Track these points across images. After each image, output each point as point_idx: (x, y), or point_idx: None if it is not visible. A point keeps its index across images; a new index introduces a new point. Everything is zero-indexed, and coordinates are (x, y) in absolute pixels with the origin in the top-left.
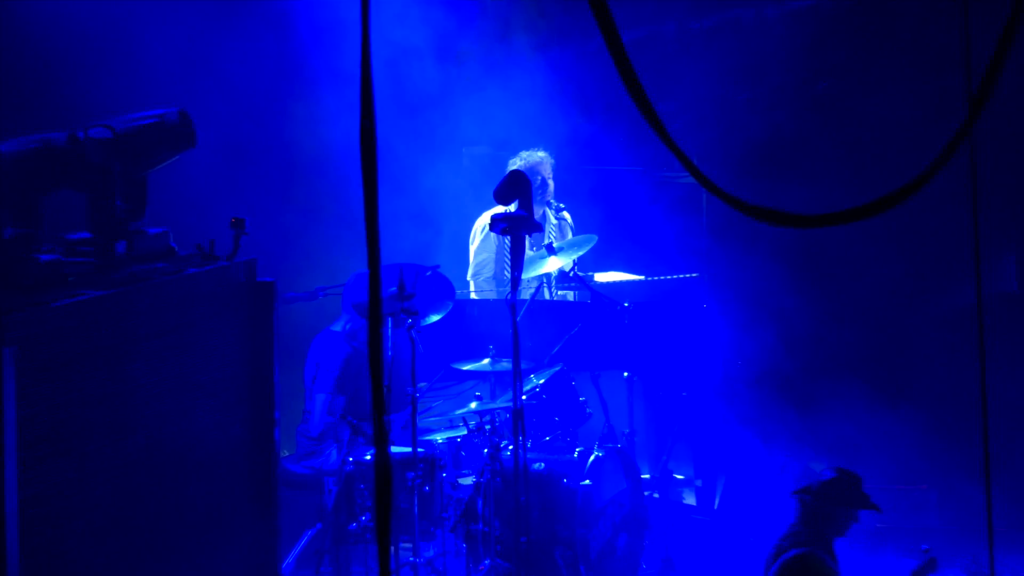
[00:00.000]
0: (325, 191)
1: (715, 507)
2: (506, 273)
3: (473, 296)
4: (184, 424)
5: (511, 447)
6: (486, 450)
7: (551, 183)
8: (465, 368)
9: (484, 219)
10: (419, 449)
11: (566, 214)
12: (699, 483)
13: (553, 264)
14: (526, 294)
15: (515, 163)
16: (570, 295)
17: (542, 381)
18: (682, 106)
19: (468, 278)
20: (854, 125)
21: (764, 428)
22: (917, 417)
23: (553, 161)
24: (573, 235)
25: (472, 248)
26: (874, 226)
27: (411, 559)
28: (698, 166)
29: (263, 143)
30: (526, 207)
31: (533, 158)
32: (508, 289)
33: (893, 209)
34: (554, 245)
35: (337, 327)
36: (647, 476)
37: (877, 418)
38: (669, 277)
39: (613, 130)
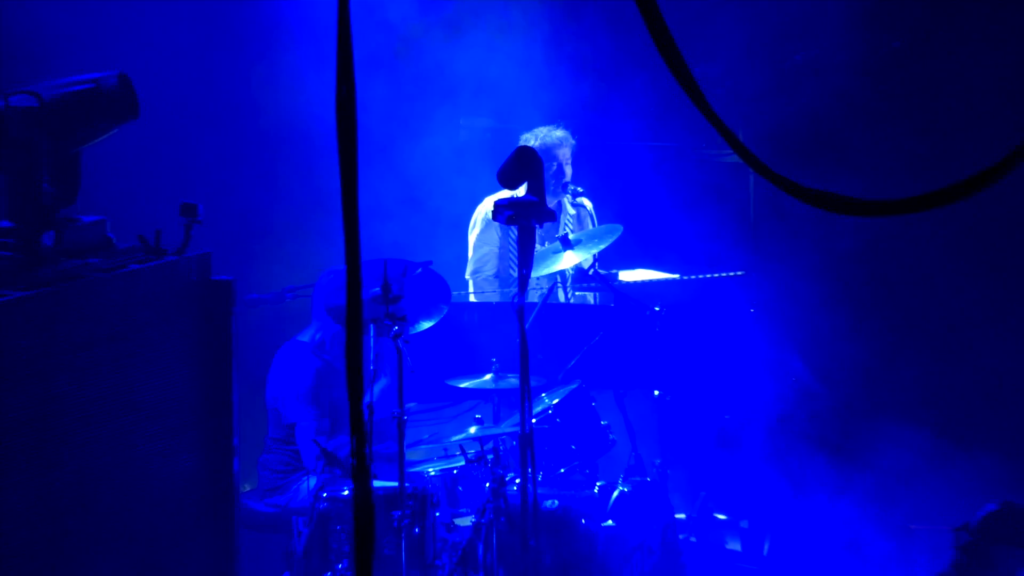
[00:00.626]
0: (296, 171)
1: (764, 553)
2: (512, 271)
3: (472, 299)
4: (122, 453)
5: (518, 481)
6: (488, 484)
7: (569, 170)
8: (463, 386)
9: (486, 205)
10: (407, 483)
11: (585, 200)
12: (745, 525)
13: (569, 260)
14: (536, 296)
15: (528, 141)
16: (590, 297)
17: (556, 401)
18: (725, 70)
19: (467, 276)
20: (932, 95)
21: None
22: (993, 466)
23: (574, 143)
24: (594, 225)
25: (471, 240)
26: (952, 234)
27: None
28: (743, 141)
29: (220, 113)
30: (537, 191)
31: (550, 138)
32: (515, 290)
33: (975, 203)
34: (570, 237)
35: (305, 337)
36: (682, 516)
37: (944, 464)
38: (709, 276)
39: (639, 99)
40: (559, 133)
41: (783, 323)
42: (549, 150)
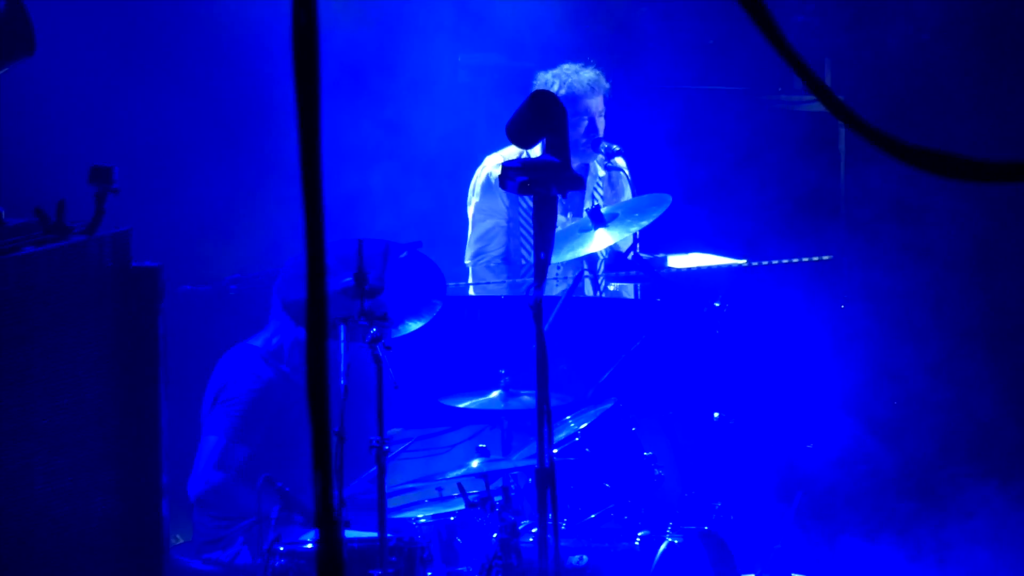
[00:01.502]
0: (244, 127)
1: None
2: (526, 254)
3: (473, 291)
4: (16, 494)
5: (535, 530)
6: (495, 535)
7: (602, 123)
8: (463, 406)
9: (489, 166)
10: (389, 534)
11: (621, 162)
12: None
13: (601, 241)
14: (558, 288)
15: (549, 84)
16: (628, 290)
17: (584, 426)
18: None
19: (467, 261)
20: None
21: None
22: None
23: (608, 87)
24: (633, 195)
25: (470, 212)
26: None
27: None
28: (830, 86)
29: (145, 52)
30: (559, 150)
31: (578, 82)
32: (530, 280)
33: None
34: (603, 210)
35: (257, 341)
36: None
37: None
38: (786, 262)
39: (695, 28)
40: (589, 75)
41: (882, 322)
42: (577, 99)
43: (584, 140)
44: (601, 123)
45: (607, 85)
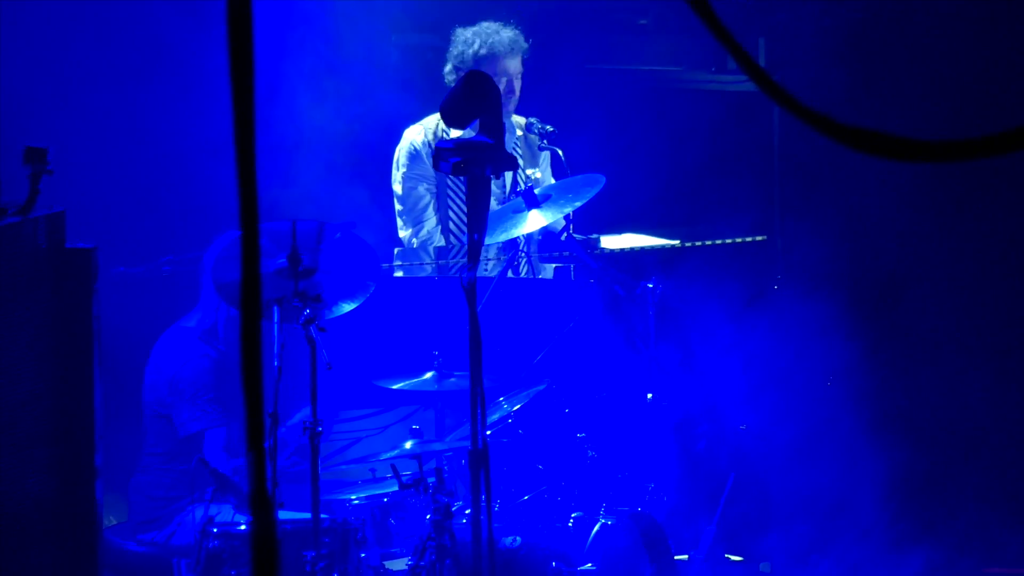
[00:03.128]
0: (177, 105)
1: None
2: (455, 231)
3: (400, 273)
4: None
5: (468, 511)
6: (429, 516)
7: (518, 86)
8: (396, 387)
9: (412, 134)
10: (323, 515)
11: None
12: (766, 569)
13: (535, 222)
14: (492, 269)
15: (470, 47)
16: (554, 269)
17: (518, 407)
18: None
19: (401, 233)
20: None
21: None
22: None
23: (526, 47)
24: (568, 176)
25: (396, 186)
26: None
27: None
28: (764, 66)
29: (78, 33)
30: (493, 130)
31: (498, 45)
32: (462, 261)
33: None
34: (536, 191)
35: (190, 322)
36: (684, 557)
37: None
38: (718, 242)
39: (627, 7)
40: (509, 34)
41: (817, 304)
42: (496, 59)
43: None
44: (517, 85)
45: (526, 45)
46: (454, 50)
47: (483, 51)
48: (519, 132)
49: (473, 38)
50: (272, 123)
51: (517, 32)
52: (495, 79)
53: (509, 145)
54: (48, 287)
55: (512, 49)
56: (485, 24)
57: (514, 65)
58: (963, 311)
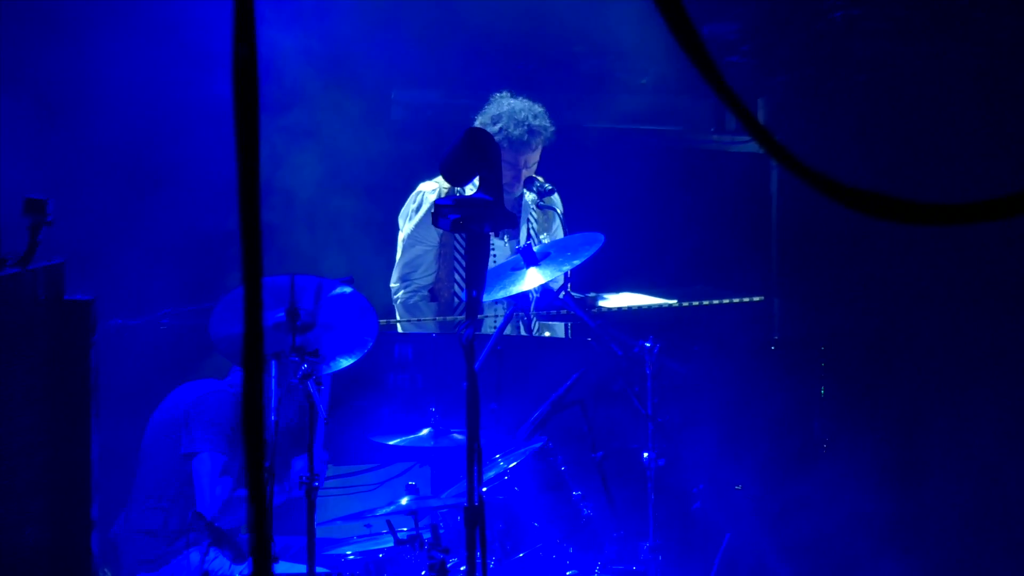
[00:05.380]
0: (179, 157)
1: None
2: (458, 289)
3: (401, 328)
4: None
5: (463, 568)
6: (424, 572)
7: (533, 171)
8: (392, 443)
9: (425, 191)
10: (319, 569)
11: (556, 199)
12: None
13: (534, 279)
14: (490, 326)
15: (485, 115)
16: (560, 329)
17: (514, 465)
18: (746, 29)
19: (392, 284)
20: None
21: None
22: None
23: (550, 137)
24: (565, 233)
25: (401, 235)
26: None
27: None
28: (765, 125)
29: (77, 84)
30: (492, 188)
31: (519, 135)
32: (461, 318)
33: None
34: (535, 248)
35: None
36: None
37: None
38: (716, 302)
39: (628, 67)
40: (535, 124)
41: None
42: (517, 151)
43: (509, 179)
44: (531, 172)
45: (549, 135)
46: (492, 118)
47: (501, 137)
48: (535, 213)
49: (499, 117)
50: (277, 184)
51: (544, 122)
52: (510, 164)
53: (526, 211)
54: (46, 338)
55: (533, 145)
56: (514, 105)
57: (533, 158)
58: (965, 370)
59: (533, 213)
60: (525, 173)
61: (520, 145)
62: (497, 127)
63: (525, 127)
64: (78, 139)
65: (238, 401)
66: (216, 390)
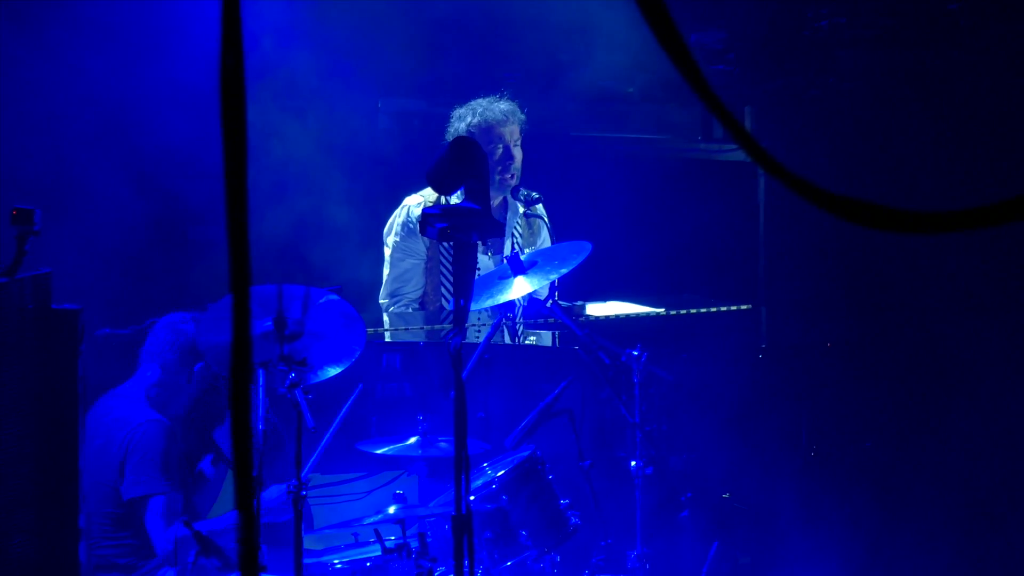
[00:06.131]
0: (166, 166)
1: None
2: (445, 295)
3: (389, 337)
4: None
5: None
6: None
7: (519, 155)
8: (379, 452)
9: (410, 204)
10: None
11: (542, 209)
12: None
13: (520, 288)
14: (473, 335)
15: (464, 118)
16: (547, 337)
17: (501, 473)
18: (732, 37)
19: (381, 300)
20: (1001, 75)
21: None
22: None
23: (523, 118)
24: (552, 242)
25: (388, 251)
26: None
27: None
28: (752, 134)
29: (67, 95)
30: (480, 196)
31: (491, 113)
32: (449, 326)
33: None
34: (522, 258)
35: (140, 387)
36: None
37: None
38: (705, 311)
39: (614, 75)
40: (503, 106)
41: (801, 372)
42: (491, 127)
43: (499, 169)
44: (517, 153)
45: (523, 116)
46: (451, 128)
47: (476, 119)
48: (521, 209)
49: (466, 112)
50: (263, 194)
51: (513, 104)
52: (492, 147)
53: (511, 225)
54: (34, 348)
55: (507, 117)
56: (480, 101)
57: (510, 132)
58: (953, 377)
59: (518, 227)
60: (516, 153)
61: (499, 119)
62: (468, 119)
63: (495, 106)
64: (63, 149)
65: (170, 432)
66: (146, 420)
